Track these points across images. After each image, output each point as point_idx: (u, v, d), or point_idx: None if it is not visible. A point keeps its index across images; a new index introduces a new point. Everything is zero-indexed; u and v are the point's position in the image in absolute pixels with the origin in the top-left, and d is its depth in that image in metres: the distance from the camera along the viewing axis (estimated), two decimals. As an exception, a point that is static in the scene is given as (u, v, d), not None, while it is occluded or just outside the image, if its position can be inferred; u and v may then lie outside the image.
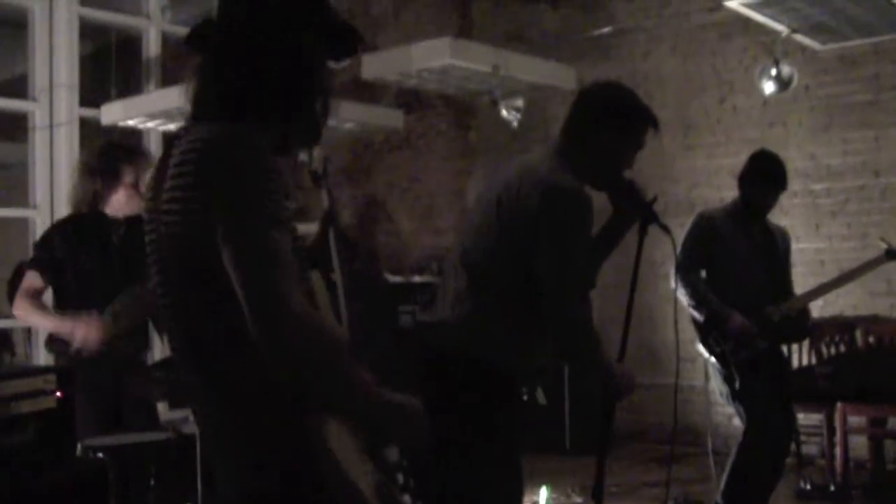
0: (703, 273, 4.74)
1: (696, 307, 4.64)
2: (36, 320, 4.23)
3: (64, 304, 4.16)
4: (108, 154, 4.19)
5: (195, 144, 1.80)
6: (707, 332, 4.68)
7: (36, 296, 4.17)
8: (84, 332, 3.88)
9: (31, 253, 6.27)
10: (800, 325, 4.77)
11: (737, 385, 4.64)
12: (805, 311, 4.79)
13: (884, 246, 4.77)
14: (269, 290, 1.67)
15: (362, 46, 2.02)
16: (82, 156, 4.48)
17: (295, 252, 1.81)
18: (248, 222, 1.71)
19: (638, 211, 3.20)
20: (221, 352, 1.79)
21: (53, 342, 4.19)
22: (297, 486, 1.80)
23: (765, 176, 4.70)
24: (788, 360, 5.18)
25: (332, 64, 1.97)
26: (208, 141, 1.79)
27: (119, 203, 4.13)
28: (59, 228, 4.28)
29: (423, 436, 1.88)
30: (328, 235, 2.07)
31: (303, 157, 1.94)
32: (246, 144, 1.77)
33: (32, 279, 4.16)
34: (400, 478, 1.94)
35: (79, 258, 4.11)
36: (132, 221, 4.14)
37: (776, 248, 4.75)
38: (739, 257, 4.65)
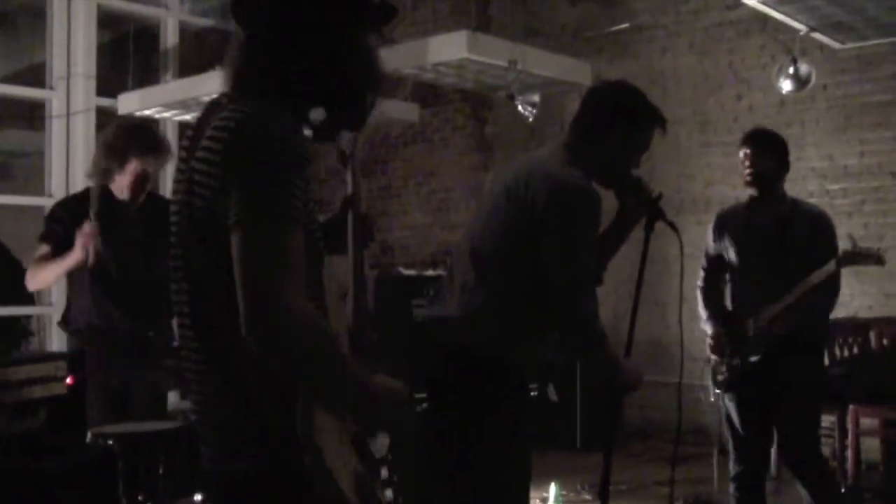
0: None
1: (702, 319, 4.56)
2: (48, 274, 4.19)
3: (75, 282, 4.17)
4: (121, 136, 4.15)
5: (229, 123, 1.78)
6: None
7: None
8: (84, 241, 3.86)
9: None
10: (777, 338, 4.22)
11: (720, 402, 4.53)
12: (777, 321, 4.23)
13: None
14: (265, 287, 1.66)
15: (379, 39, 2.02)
16: (108, 127, 4.47)
17: (313, 242, 1.81)
18: (263, 214, 1.69)
19: (644, 207, 3.19)
20: (225, 329, 1.78)
21: (67, 321, 4.21)
22: (280, 472, 1.80)
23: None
24: (799, 371, 4.28)
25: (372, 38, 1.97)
26: (242, 122, 1.77)
27: (120, 186, 4.12)
28: (64, 206, 4.26)
29: (408, 425, 1.88)
30: (347, 218, 2.07)
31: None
32: (279, 132, 1.75)
33: (43, 251, 4.17)
34: (384, 472, 1.94)
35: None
36: (144, 204, 4.15)
37: (790, 240, 4.29)
38: (740, 255, 4.43)
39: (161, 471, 3.62)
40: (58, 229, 4.14)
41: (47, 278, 4.20)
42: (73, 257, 3.94)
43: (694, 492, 5.87)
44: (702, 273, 4.58)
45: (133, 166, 4.05)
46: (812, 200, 7.06)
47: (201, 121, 1.89)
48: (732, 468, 4.41)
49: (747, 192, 4.42)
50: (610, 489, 3.12)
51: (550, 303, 3.00)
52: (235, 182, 1.72)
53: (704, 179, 7.80)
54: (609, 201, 3.15)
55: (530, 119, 6.99)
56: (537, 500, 5.32)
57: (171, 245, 1.90)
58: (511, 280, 3.07)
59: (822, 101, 7.21)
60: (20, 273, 7.13)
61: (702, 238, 7.42)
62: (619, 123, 3.12)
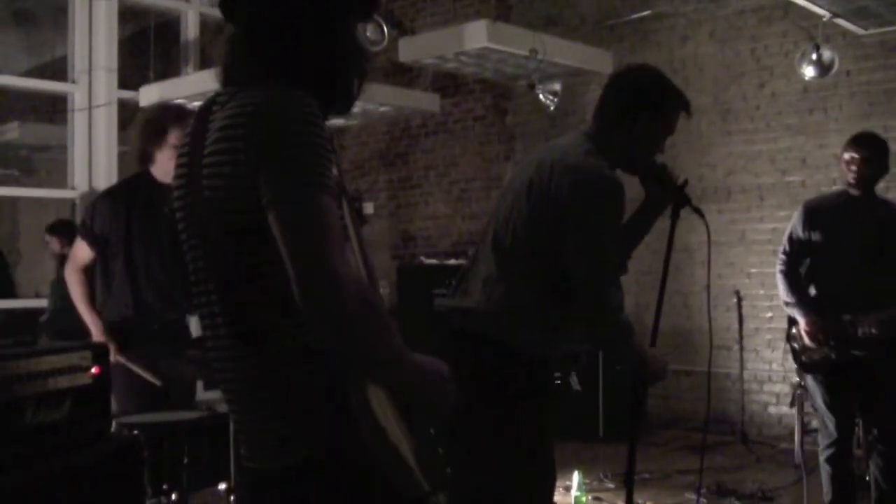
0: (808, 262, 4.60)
1: (784, 302, 4.57)
2: (77, 303, 4.28)
3: (111, 275, 4.22)
4: (157, 113, 4.26)
5: (245, 108, 1.79)
6: (790, 327, 4.63)
7: (86, 270, 4.26)
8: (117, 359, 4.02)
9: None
10: (882, 338, 4.30)
11: (802, 384, 4.61)
12: (883, 325, 4.31)
13: None
14: (316, 254, 1.68)
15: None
16: (141, 112, 4.56)
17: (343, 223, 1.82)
18: (299, 186, 1.71)
19: (669, 195, 3.17)
20: (263, 316, 1.79)
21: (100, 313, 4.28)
22: (341, 449, 1.80)
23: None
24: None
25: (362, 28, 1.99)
26: (260, 105, 1.78)
27: (163, 165, 4.16)
28: (107, 198, 4.31)
29: (448, 401, 1.90)
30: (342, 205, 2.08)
31: None
32: (300, 109, 1.76)
33: (82, 249, 4.23)
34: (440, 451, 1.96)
35: (130, 231, 4.15)
36: None
37: (886, 234, 4.41)
38: (831, 247, 4.46)
39: (186, 460, 3.65)
40: (95, 226, 4.17)
41: (75, 299, 4.28)
42: (93, 333, 4.15)
43: (717, 480, 5.85)
44: (783, 257, 4.59)
45: (173, 137, 4.10)
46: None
47: (200, 123, 1.90)
48: (821, 442, 4.54)
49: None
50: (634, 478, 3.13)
51: (575, 294, 2.99)
52: (264, 162, 1.73)
53: (726, 168, 7.75)
54: (633, 189, 3.12)
55: (551, 108, 6.97)
56: (560, 489, 5.32)
57: (189, 247, 1.91)
58: (534, 273, 3.05)
59: (846, 88, 7.15)
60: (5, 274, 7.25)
61: (724, 227, 7.47)
62: (642, 109, 3.08)
